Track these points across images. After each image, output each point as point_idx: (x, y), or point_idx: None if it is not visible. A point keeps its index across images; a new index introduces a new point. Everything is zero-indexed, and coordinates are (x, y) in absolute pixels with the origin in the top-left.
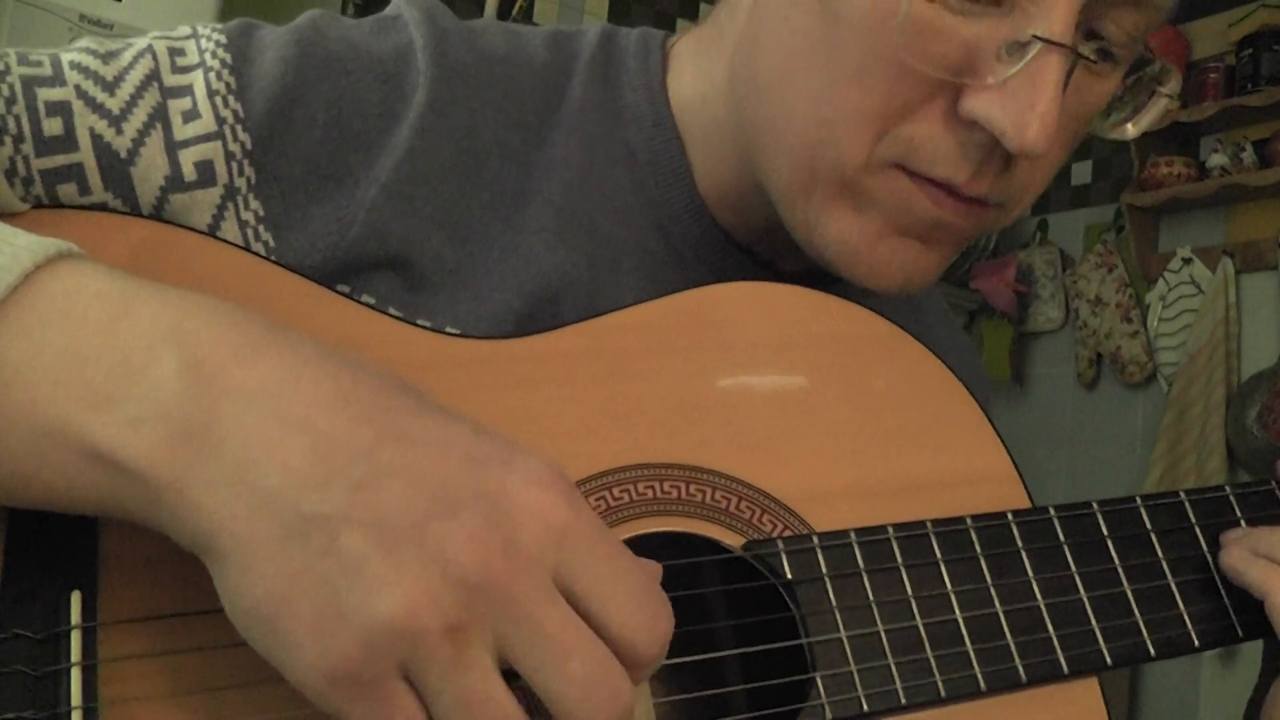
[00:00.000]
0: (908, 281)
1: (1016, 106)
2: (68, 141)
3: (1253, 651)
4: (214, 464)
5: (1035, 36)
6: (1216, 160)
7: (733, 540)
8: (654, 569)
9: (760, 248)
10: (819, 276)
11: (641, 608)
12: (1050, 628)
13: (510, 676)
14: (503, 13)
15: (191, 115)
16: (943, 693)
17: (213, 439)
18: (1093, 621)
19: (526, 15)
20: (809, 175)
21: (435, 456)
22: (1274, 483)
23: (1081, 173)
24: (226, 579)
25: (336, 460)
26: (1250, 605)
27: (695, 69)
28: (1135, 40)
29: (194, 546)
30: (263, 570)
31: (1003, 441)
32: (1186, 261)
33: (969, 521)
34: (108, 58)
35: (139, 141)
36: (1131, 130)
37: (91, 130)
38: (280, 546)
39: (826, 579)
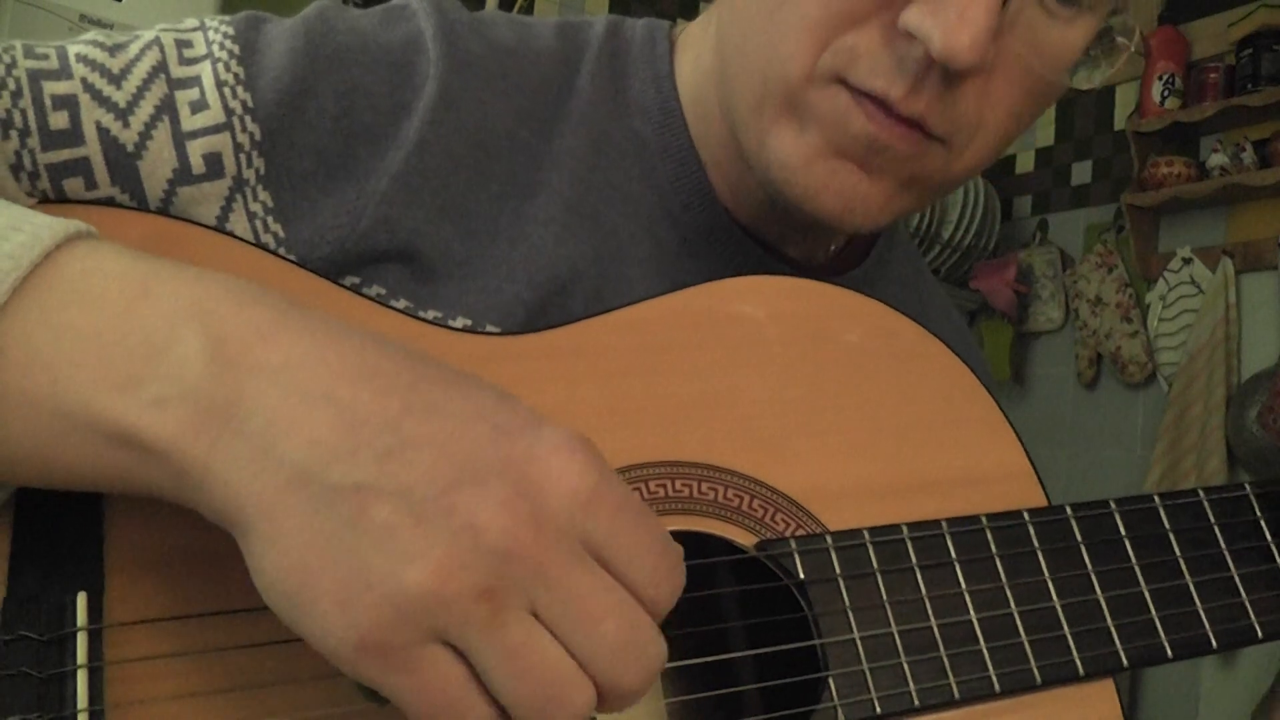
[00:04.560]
0: (847, 208)
1: (946, 14)
2: (74, 135)
3: (1253, 653)
4: (240, 440)
5: None
6: (1216, 160)
7: (746, 539)
8: (678, 548)
9: (767, 233)
10: (829, 267)
11: (657, 565)
12: (1066, 628)
13: None
14: (502, 9)
15: (200, 106)
16: (957, 694)
17: (238, 416)
18: (1109, 622)
19: (527, 13)
20: (761, 92)
21: (462, 426)
22: None
23: (1081, 173)
24: (254, 552)
25: (363, 432)
26: (1269, 605)
27: (696, 47)
28: None
29: (223, 522)
30: (289, 542)
31: (1019, 438)
32: (1186, 261)
33: (984, 521)
34: (114, 50)
35: (146, 134)
36: (1085, 81)
37: (98, 124)
38: (307, 518)
39: (840, 579)
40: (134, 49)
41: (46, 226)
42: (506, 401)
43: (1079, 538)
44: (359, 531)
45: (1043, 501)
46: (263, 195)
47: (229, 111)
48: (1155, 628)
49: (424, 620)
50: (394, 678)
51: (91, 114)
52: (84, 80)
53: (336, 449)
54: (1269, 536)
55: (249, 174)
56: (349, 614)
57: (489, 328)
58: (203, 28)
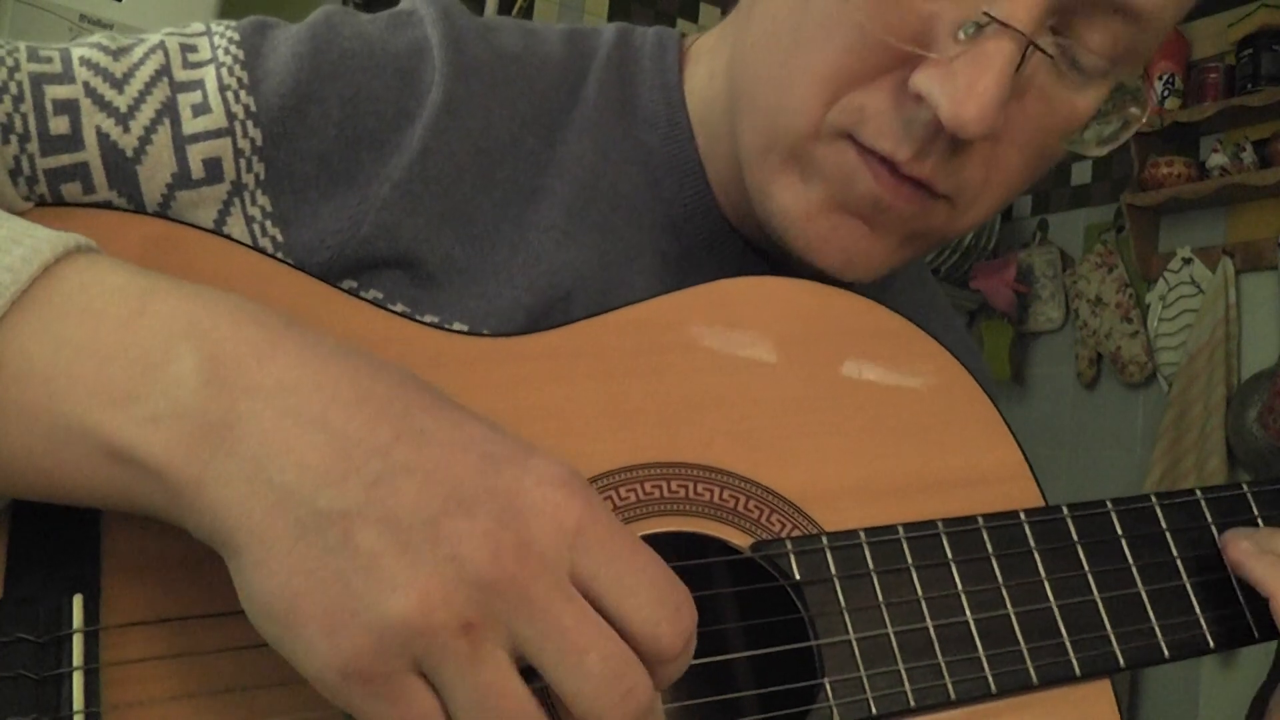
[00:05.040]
0: (848, 262)
1: (956, 83)
2: (74, 140)
3: (1253, 652)
4: (231, 461)
5: (987, 14)
6: (1216, 160)
7: (741, 540)
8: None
9: (771, 247)
10: (831, 277)
11: (662, 602)
12: (1063, 629)
13: (529, 677)
14: (502, 13)
15: (201, 109)
16: (953, 695)
17: (231, 436)
18: (1106, 622)
19: (526, 16)
20: (768, 138)
21: (451, 455)
22: None
23: (1081, 173)
24: (242, 574)
25: (353, 457)
26: (1267, 605)
27: (709, 64)
28: (1123, 56)
29: (212, 542)
30: (277, 566)
31: (1016, 438)
32: (1186, 261)
33: (980, 521)
34: (119, 54)
35: (145, 139)
36: (1097, 150)
37: (98, 129)
38: (295, 542)
39: (836, 580)
40: (138, 52)
41: (46, 240)
42: (496, 432)
43: (1075, 538)
44: (345, 558)
45: (1039, 502)
46: (261, 200)
47: (231, 116)
48: (1152, 628)
49: (405, 650)
50: (374, 706)
51: (92, 119)
52: (86, 84)
53: (326, 474)
54: None
55: (248, 179)
56: (334, 640)
57: (485, 333)
58: (209, 32)
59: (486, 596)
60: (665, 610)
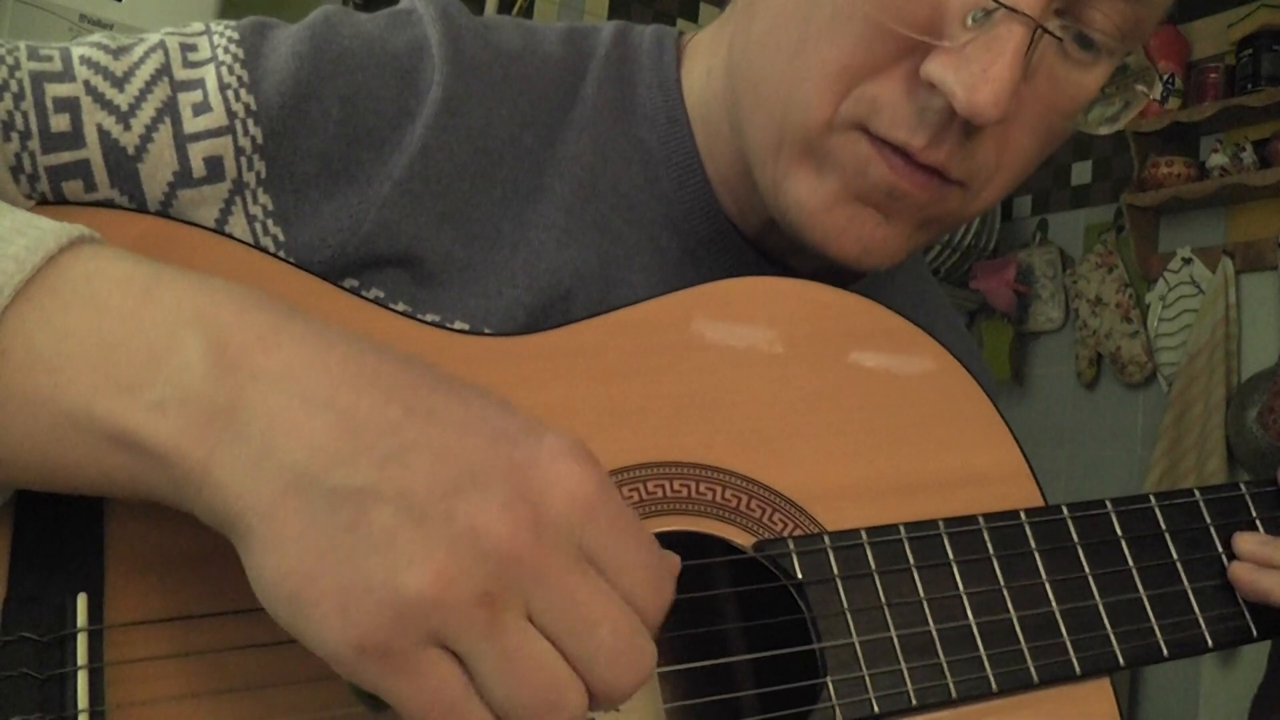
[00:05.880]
0: (865, 251)
1: (969, 69)
2: (75, 138)
3: (1254, 651)
4: (240, 445)
5: (998, 2)
6: (1216, 160)
7: (743, 539)
8: (673, 561)
9: (772, 244)
10: (832, 275)
11: (654, 576)
12: (1063, 630)
13: None
14: (502, 12)
15: (202, 108)
16: (954, 694)
17: (238, 421)
18: (1106, 623)
19: (526, 15)
20: (778, 133)
21: (463, 431)
22: None
23: (1081, 173)
24: (253, 557)
25: (363, 436)
26: (1265, 605)
27: (707, 61)
28: (1127, 34)
29: (221, 526)
30: (289, 546)
31: (1016, 438)
32: (1186, 261)
33: (981, 521)
34: (119, 53)
35: (147, 137)
36: (1104, 128)
37: (99, 127)
38: (307, 522)
39: (838, 580)
40: (138, 52)
41: (50, 231)
42: (506, 408)
43: (1075, 538)
44: (359, 535)
45: (1039, 501)
46: (263, 198)
47: (231, 114)
48: (1152, 628)
49: (423, 624)
50: (393, 681)
51: (93, 117)
52: (87, 83)
53: (337, 453)
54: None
55: (249, 177)
56: (349, 617)
57: (486, 332)
58: (208, 32)
59: (503, 568)
60: (655, 585)
